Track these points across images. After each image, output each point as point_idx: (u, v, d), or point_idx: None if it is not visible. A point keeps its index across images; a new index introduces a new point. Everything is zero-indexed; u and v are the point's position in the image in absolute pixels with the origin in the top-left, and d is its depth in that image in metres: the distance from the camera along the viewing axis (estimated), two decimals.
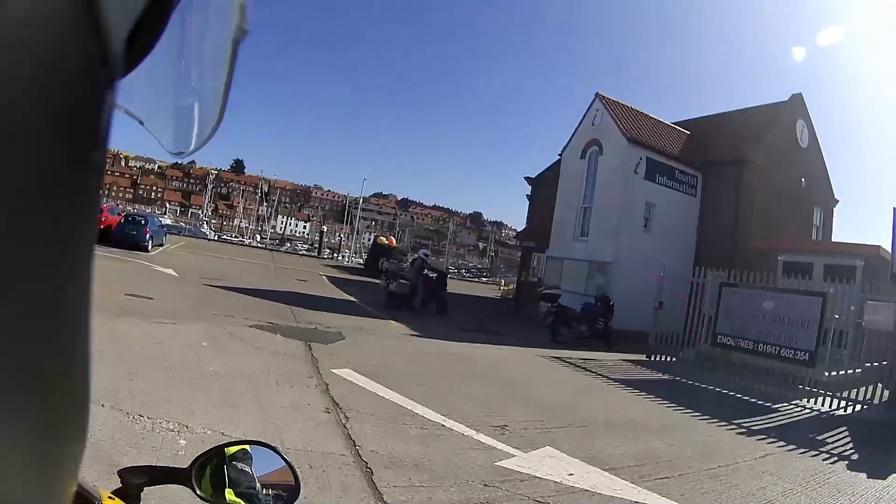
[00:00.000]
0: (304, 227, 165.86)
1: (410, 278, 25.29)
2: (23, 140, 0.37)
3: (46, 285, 0.41)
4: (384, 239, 55.19)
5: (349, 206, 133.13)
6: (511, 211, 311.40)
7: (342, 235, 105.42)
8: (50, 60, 0.38)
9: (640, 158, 29.46)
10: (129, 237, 30.59)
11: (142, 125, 0.54)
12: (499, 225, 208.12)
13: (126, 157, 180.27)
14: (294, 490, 1.71)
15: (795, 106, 33.49)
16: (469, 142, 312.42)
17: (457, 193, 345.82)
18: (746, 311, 17.46)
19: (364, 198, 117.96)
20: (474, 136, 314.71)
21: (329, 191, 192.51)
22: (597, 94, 31.96)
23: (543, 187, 38.83)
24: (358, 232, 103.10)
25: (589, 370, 16.10)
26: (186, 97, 0.54)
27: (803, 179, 31.88)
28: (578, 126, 32.74)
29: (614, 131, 29.90)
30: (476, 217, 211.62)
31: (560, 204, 32.80)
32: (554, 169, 37.02)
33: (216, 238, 75.25)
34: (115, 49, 0.42)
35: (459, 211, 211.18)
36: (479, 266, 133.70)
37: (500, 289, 55.92)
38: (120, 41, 0.43)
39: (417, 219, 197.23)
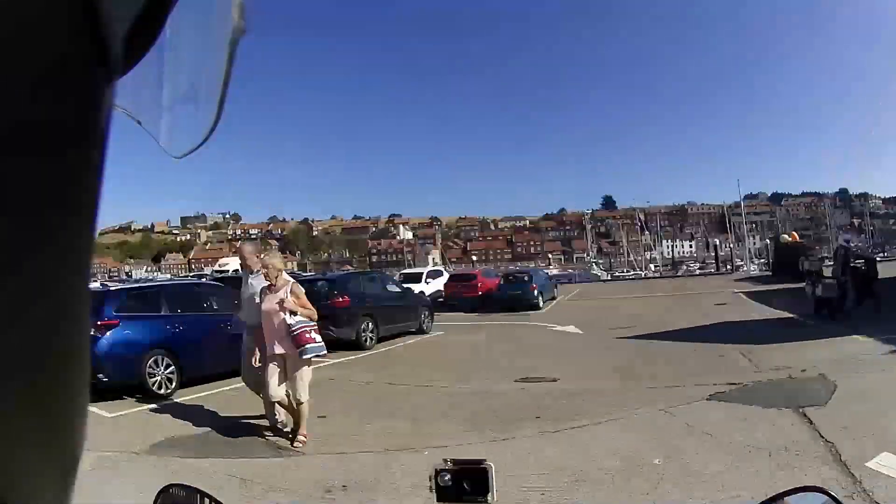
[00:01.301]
0: (690, 246, 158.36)
1: (838, 275, 18.93)
2: (21, 140, 0.37)
3: (45, 284, 0.41)
4: (787, 237, 47.65)
5: (728, 214, 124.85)
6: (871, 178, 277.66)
7: (730, 245, 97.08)
8: (49, 60, 0.38)
9: None
10: (513, 298, 27.90)
11: (139, 125, 0.53)
12: (864, 196, 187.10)
13: (494, 221, 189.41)
14: None
15: None
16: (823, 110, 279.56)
17: (822, 172, 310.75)
18: None
19: (737, 202, 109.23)
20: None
21: (703, 204, 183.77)
22: None
23: None
24: (742, 238, 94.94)
25: None
26: (184, 97, 0.52)
27: None
28: None
29: None
30: (843, 193, 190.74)
31: None
32: None
33: (609, 277, 72.30)
34: (113, 49, 0.42)
35: (826, 192, 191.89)
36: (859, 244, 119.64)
37: None
38: (118, 41, 0.43)
39: (791, 210, 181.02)
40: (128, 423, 9.40)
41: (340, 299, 16.51)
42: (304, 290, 8.30)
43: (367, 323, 16.69)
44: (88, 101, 0.40)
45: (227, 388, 10.83)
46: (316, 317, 8.14)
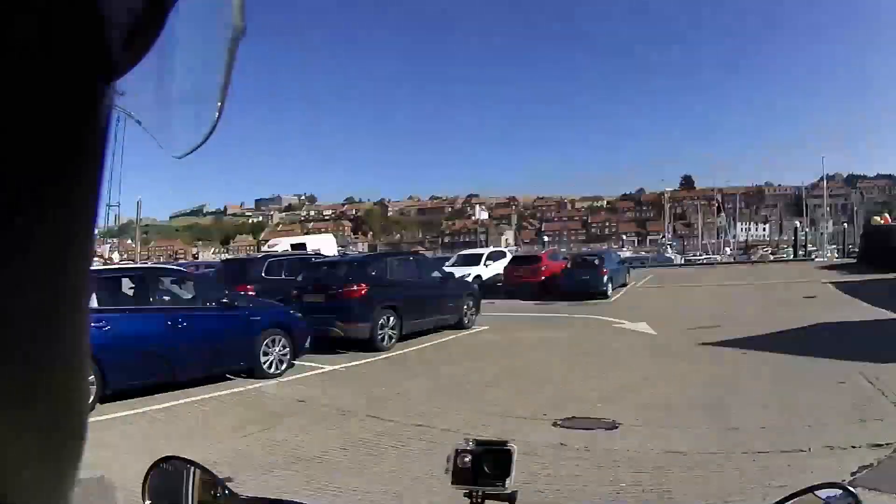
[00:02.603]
0: (764, 230, 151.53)
1: None
2: (22, 140, 0.37)
3: (44, 286, 0.41)
4: (878, 219, 42.69)
5: (804, 197, 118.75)
6: None
7: (805, 230, 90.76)
8: (49, 60, 0.38)
9: None
10: (580, 284, 24.14)
11: (139, 125, 0.53)
12: None
13: (572, 201, 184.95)
14: None
15: None
16: None
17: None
18: None
19: (814, 183, 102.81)
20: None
21: (779, 185, 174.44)
22: None
23: None
24: (817, 222, 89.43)
25: None
26: (185, 97, 0.53)
27: None
28: None
29: None
30: None
31: None
32: None
33: (682, 261, 68.21)
34: (114, 49, 0.43)
35: None
36: None
37: None
38: (119, 41, 0.43)
39: (865, 193, 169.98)
40: None
41: (355, 287, 13.23)
42: None
43: (388, 317, 13.36)
44: (88, 101, 0.40)
45: None
46: None
